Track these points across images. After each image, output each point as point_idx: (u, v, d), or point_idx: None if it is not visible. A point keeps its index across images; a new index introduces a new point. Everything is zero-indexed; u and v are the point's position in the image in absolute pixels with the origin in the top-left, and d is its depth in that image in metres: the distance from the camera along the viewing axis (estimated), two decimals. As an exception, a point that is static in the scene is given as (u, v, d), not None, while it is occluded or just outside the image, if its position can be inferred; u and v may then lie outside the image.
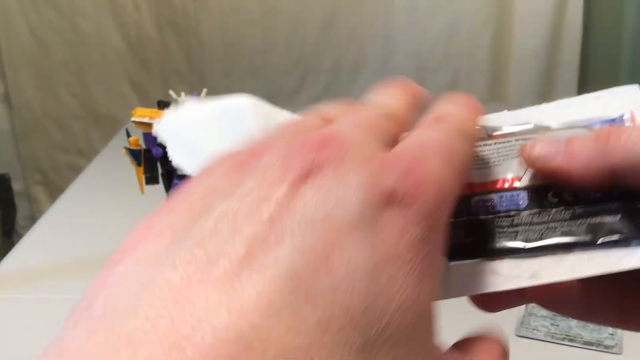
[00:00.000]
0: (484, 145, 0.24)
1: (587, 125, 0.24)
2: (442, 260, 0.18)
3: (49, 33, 1.63)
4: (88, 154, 1.68)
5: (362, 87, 1.90)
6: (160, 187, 0.73)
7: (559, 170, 0.22)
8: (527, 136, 0.24)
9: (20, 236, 1.71)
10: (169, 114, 0.28)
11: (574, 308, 0.26)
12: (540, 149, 0.23)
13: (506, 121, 0.25)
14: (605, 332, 0.56)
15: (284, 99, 1.68)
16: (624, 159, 0.21)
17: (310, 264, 0.15)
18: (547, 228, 0.22)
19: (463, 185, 0.20)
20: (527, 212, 0.22)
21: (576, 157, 0.22)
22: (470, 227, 0.22)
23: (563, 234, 0.22)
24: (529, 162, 0.23)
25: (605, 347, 0.54)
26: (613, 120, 0.24)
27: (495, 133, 0.25)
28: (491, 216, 0.22)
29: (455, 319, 0.62)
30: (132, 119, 0.69)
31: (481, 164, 0.24)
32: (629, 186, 0.21)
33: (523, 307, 0.60)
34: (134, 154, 0.69)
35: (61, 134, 1.71)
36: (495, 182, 0.23)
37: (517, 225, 0.22)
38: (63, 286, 0.71)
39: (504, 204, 0.23)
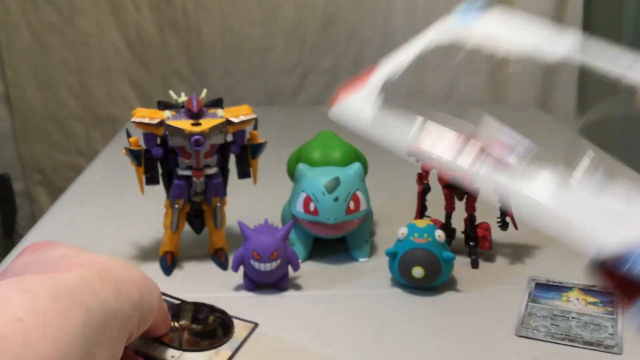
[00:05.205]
0: None
1: None
2: None
3: (49, 33, 1.63)
4: (88, 154, 1.68)
5: (362, 87, 1.88)
6: (160, 187, 0.73)
7: None
8: None
9: (20, 236, 1.71)
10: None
11: None
12: None
13: None
14: (605, 332, 0.56)
15: (284, 99, 1.68)
16: None
17: None
18: None
19: None
20: None
21: None
22: None
23: None
24: None
25: (606, 347, 0.54)
26: None
27: None
28: None
29: (452, 321, 0.62)
30: (132, 119, 0.69)
31: None
32: None
33: (523, 307, 0.60)
34: (134, 154, 0.69)
35: (61, 134, 1.71)
36: None
37: None
38: (63, 286, 0.71)
39: None
